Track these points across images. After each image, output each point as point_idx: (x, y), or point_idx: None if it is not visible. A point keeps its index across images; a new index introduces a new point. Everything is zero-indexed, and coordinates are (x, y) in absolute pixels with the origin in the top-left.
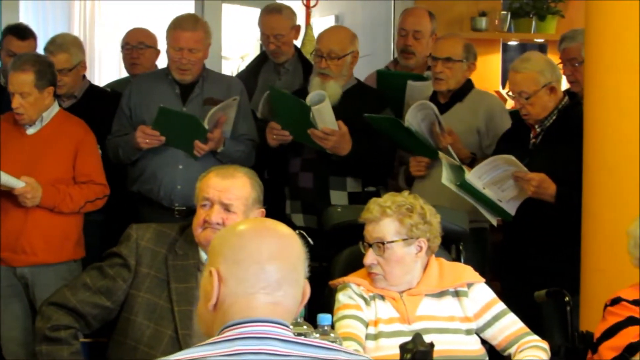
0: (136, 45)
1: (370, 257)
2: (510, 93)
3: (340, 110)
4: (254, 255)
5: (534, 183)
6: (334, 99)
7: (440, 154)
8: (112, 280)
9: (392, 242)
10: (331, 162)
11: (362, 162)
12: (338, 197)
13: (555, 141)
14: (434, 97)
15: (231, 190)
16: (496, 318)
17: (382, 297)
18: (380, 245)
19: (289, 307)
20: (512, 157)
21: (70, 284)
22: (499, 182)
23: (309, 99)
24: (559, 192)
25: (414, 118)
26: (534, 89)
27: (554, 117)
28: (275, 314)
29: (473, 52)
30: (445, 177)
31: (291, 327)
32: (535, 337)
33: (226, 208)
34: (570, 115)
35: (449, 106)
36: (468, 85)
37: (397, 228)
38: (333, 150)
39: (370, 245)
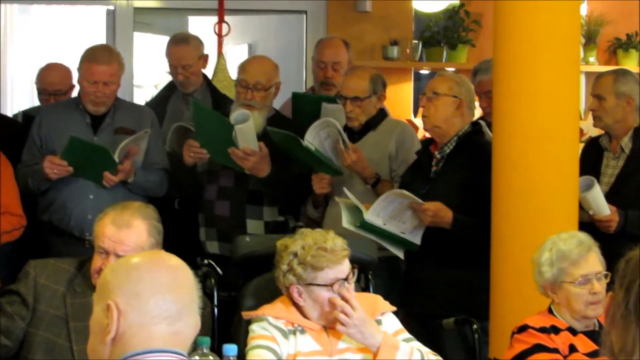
0: (54, 92)
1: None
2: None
3: (262, 139)
4: (153, 287)
5: (430, 213)
6: (257, 130)
7: (337, 198)
8: (10, 318)
9: None
10: (248, 191)
11: (280, 187)
12: (254, 226)
13: (454, 168)
14: (347, 125)
15: (126, 241)
16: (405, 342)
17: (303, 330)
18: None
19: (187, 337)
20: (404, 191)
21: None
22: (397, 215)
23: (232, 118)
24: (454, 220)
25: (315, 137)
26: (444, 91)
27: (453, 144)
28: (175, 344)
29: (381, 82)
30: (346, 220)
31: (197, 357)
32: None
33: None
34: (470, 142)
35: (362, 134)
36: (381, 114)
37: None
38: (252, 171)
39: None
